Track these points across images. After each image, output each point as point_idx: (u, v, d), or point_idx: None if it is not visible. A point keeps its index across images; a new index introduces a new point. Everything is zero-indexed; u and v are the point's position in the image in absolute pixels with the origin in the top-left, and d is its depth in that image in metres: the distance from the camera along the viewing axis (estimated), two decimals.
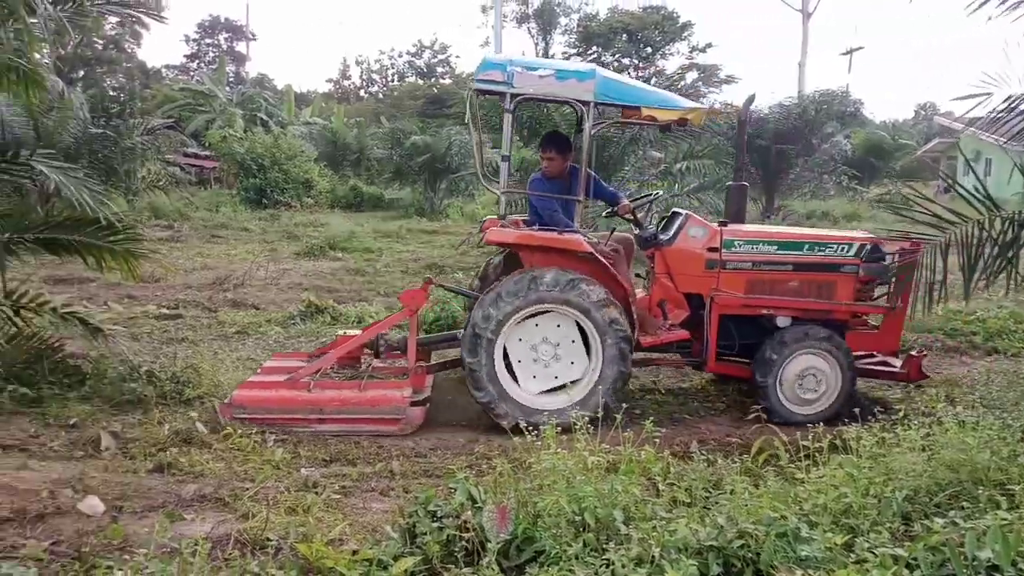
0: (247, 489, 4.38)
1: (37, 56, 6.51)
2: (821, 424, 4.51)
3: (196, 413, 5.65)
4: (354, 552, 3.31)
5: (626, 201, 6.49)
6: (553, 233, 5.90)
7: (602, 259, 5.88)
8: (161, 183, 16.69)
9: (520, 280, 5.74)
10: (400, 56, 65.11)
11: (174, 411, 5.79)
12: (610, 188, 6.75)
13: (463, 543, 3.23)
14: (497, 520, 3.27)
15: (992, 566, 2.85)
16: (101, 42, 43.78)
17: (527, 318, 5.81)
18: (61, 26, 5.82)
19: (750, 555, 3.06)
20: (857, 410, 4.68)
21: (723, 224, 6.36)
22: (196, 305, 9.94)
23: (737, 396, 6.72)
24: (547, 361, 5.89)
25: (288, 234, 17.69)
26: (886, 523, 3.35)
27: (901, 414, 4.48)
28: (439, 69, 63.69)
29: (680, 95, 7.10)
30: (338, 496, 4.40)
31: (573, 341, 5.86)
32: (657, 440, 4.07)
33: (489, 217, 6.29)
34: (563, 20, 47.84)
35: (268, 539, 3.65)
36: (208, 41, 60.88)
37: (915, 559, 2.96)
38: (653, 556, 2.99)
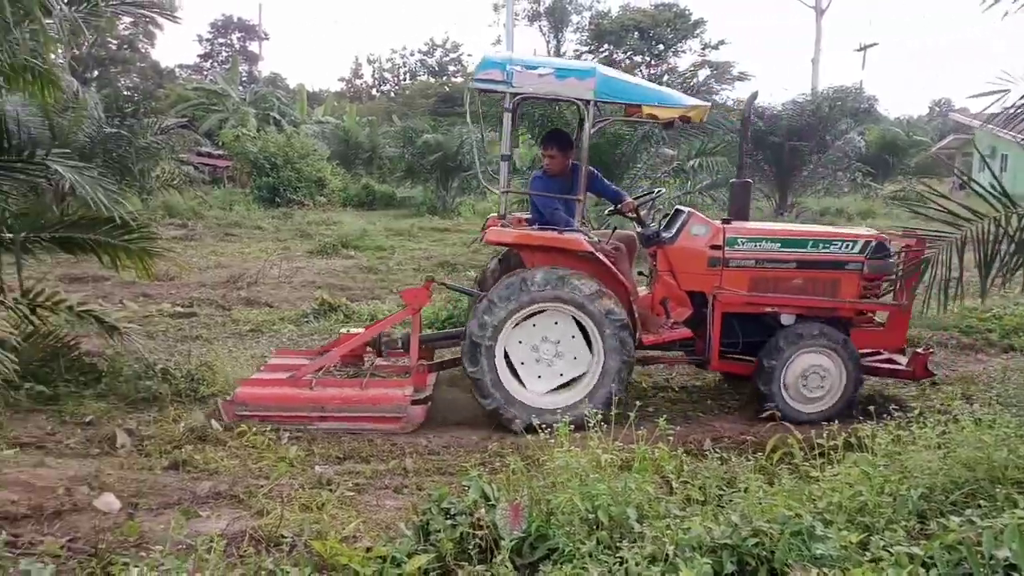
0: (262, 486, 4.40)
1: (52, 56, 6.54)
2: (836, 422, 4.49)
3: (204, 411, 5.69)
4: (368, 549, 3.32)
5: (629, 199, 6.47)
6: (553, 232, 5.89)
7: (603, 258, 5.87)
8: (175, 182, 16.75)
9: (511, 284, 5.73)
10: (412, 55, 65.26)
11: (189, 408, 5.82)
12: (613, 186, 6.72)
13: (476, 540, 3.24)
14: (510, 518, 3.27)
15: (1010, 565, 2.82)
16: (115, 42, 44.11)
17: (524, 320, 5.81)
18: (76, 26, 5.84)
19: (764, 553, 3.05)
20: (872, 408, 4.65)
21: (726, 221, 6.33)
22: (210, 303, 10.00)
23: (752, 394, 6.68)
24: (550, 360, 5.88)
25: (301, 232, 17.75)
26: (902, 521, 3.33)
27: (917, 412, 4.44)
28: (451, 67, 63.74)
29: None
30: (352, 493, 4.42)
31: (573, 337, 5.85)
32: (671, 438, 4.06)
33: (492, 216, 6.28)
34: (575, 18, 47.88)
35: (282, 536, 3.67)
36: (221, 41, 61.12)
37: (931, 558, 2.94)
38: (667, 554, 2.98)
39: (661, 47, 44.81)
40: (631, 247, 6.57)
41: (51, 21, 5.48)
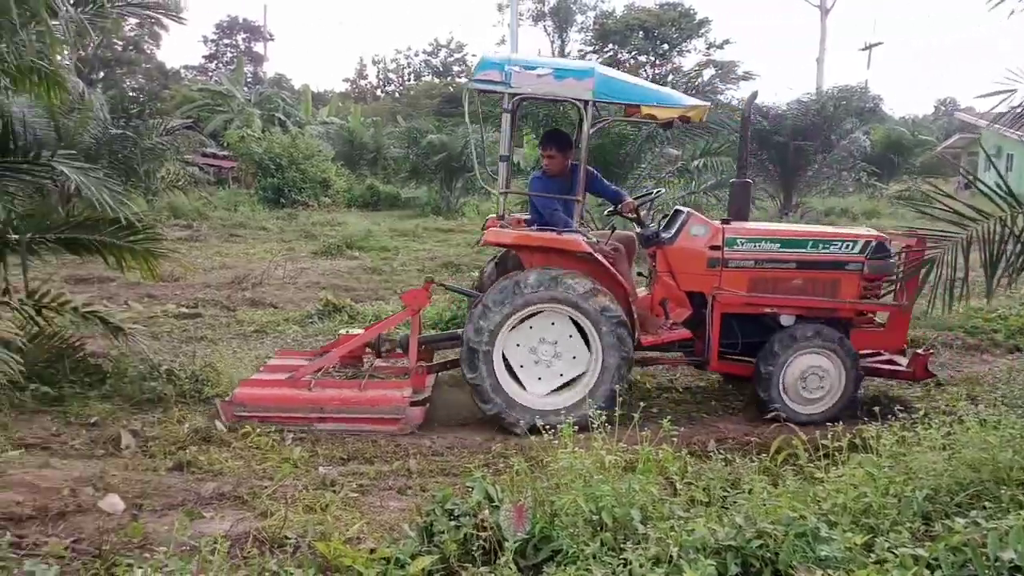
0: (266, 487, 4.41)
1: (58, 58, 6.57)
2: (840, 423, 4.48)
3: (207, 413, 5.70)
4: (372, 551, 3.32)
5: (630, 199, 6.45)
6: (552, 233, 5.88)
7: (602, 258, 5.86)
8: (180, 183, 16.76)
9: (504, 287, 5.72)
10: (416, 55, 65.24)
11: (193, 410, 5.84)
12: (612, 186, 6.70)
13: (480, 542, 3.23)
14: (514, 519, 3.27)
15: (1015, 567, 2.82)
16: (121, 43, 44.23)
17: (520, 322, 5.80)
18: (82, 28, 5.85)
19: (769, 555, 3.04)
20: (877, 409, 4.64)
21: (725, 222, 6.31)
22: (215, 304, 10.01)
23: (753, 395, 6.67)
24: (549, 360, 5.87)
25: (306, 233, 17.77)
26: (906, 523, 3.32)
27: (921, 413, 4.43)
28: (455, 68, 63.74)
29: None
30: (356, 495, 4.42)
31: (571, 336, 5.84)
32: (675, 439, 4.05)
33: (491, 217, 6.29)
34: (579, 18, 47.79)
35: (286, 537, 3.67)
36: (226, 42, 61.20)
37: (936, 559, 2.93)
38: (671, 556, 2.97)
39: (666, 47, 44.72)
40: (630, 248, 6.56)
41: (57, 22, 5.51)
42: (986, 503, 3.48)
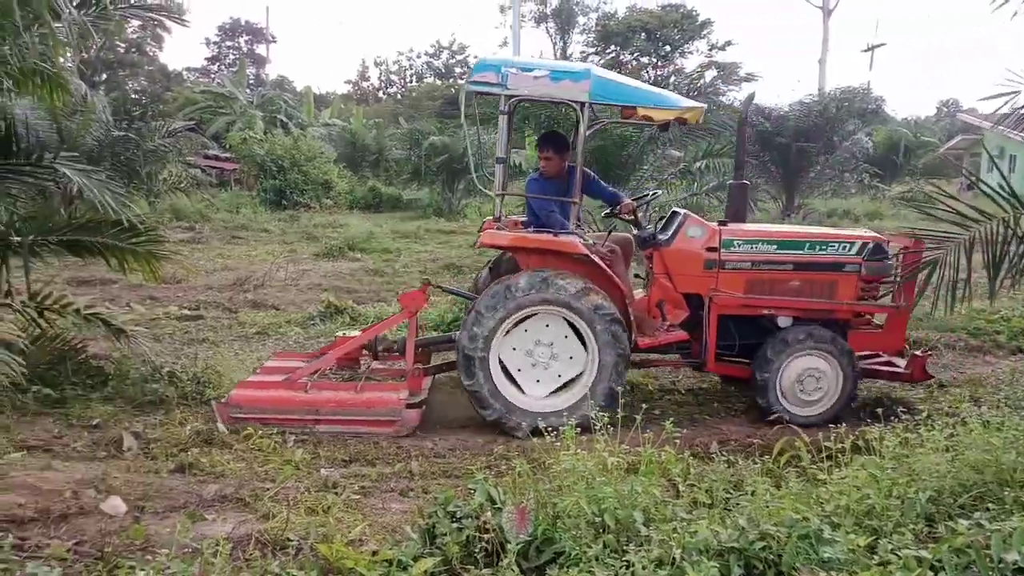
0: (267, 489, 4.40)
1: (61, 60, 6.58)
2: (842, 424, 4.47)
3: (206, 415, 5.69)
4: (374, 553, 3.31)
5: (628, 200, 6.44)
6: (548, 235, 5.87)
7: (598, 260, 5.85)
8: (182, 185, 16.77)
9: (496, 292, 5.71)
10: (418, 57, 65.27)
11: (195, 412, 5.84)
12: (609, 188, 6.69)
13: (483, 544, 3.23)
14: (516, 521, 3.27)
15: (1019, 568, 2.81)
16: (123, 45, 44.27)
17: (514, 326, 5.79)
18: (85, 30, 5.87)
19: (772, 557, 3.04)
20: (880, 411, 4.63)
21: (722, 223, 6.31)
22: (217, 306, 10.02)
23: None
24: (546, 362, 5.86)
25: (307, 235, 17.79)
26: (909, 524, 3.31)
27: (924, 414, 4.43)
28: (457, 69, 63.75)
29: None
30: (358, 496, 4.42)
31: (566, 337, 5.83)
32: (677, 441, 4.04)
33: (488, 219, 6.28)
34: (581, 19, 47.81)
35: (288, 539, 3.66)
36: (229, 44, 61.29)
37: (939, 561, 2.92)
38: (674, 558, 2.97)
39: (668, 48, 44.76)
40: (627, 249, 6.55)
41: (60, 25, 5.52)
42: (990, 505, 3.47)
